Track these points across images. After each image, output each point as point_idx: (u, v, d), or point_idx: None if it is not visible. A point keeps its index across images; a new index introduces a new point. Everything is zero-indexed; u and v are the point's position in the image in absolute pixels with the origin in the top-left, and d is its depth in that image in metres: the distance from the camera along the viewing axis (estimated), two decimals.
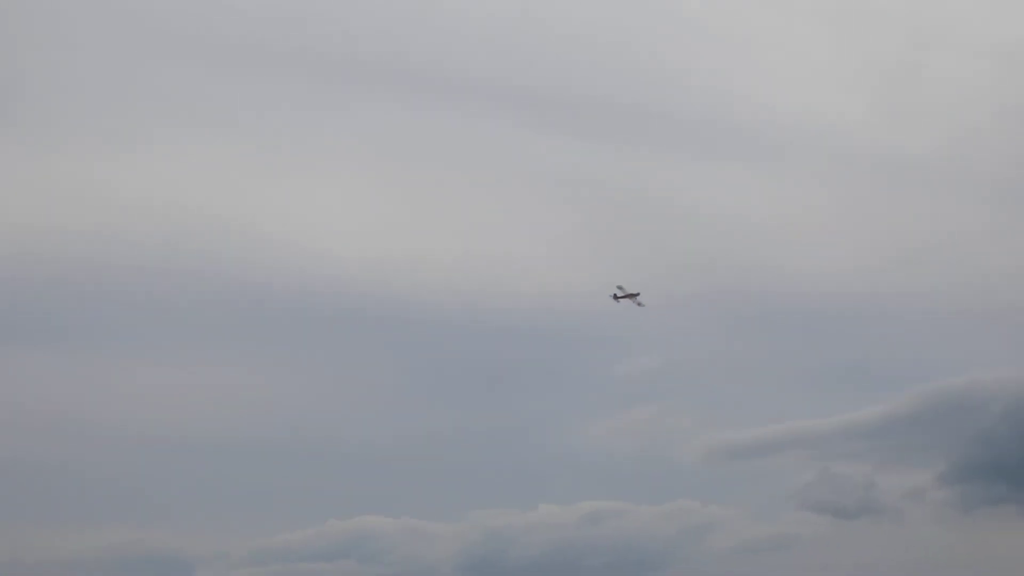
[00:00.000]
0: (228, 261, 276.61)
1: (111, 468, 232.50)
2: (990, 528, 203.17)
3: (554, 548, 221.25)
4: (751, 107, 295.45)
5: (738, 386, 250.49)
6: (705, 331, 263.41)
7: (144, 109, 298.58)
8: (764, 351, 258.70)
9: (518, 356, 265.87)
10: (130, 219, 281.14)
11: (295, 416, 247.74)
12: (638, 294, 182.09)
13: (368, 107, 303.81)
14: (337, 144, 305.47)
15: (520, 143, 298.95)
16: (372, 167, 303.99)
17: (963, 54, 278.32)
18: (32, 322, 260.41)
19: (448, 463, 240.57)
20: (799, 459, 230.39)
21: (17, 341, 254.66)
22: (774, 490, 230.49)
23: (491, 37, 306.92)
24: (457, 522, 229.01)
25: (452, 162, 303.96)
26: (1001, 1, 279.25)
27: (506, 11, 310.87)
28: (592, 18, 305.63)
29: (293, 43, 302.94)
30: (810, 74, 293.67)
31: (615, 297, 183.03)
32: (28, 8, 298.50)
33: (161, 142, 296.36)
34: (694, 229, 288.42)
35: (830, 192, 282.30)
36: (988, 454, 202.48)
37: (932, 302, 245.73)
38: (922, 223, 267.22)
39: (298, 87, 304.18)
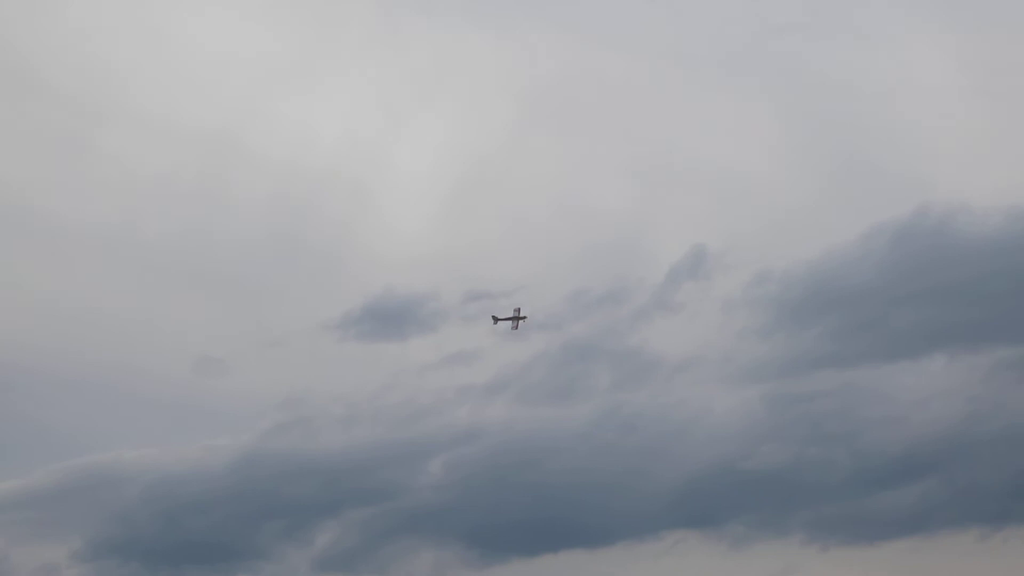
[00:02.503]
0: None
1: None
2: None
3: None
4: None
5: None
6: None
7: None
8: None
9: None
10: None
11: None
12: (524, 318, 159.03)
13: None
14: None
15: None
16: None
17: (130, 130, 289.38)
18: None
19: None
20: None
21: None
22: None
23: None
24: None
25: None
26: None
27: None
28: None
29: None
30: None
31: (495, 319, 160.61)
32: None
33: None
34: None
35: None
36: (125, 533, 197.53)
37: (97, 377, 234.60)
38: (90, 292, 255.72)
39: None
